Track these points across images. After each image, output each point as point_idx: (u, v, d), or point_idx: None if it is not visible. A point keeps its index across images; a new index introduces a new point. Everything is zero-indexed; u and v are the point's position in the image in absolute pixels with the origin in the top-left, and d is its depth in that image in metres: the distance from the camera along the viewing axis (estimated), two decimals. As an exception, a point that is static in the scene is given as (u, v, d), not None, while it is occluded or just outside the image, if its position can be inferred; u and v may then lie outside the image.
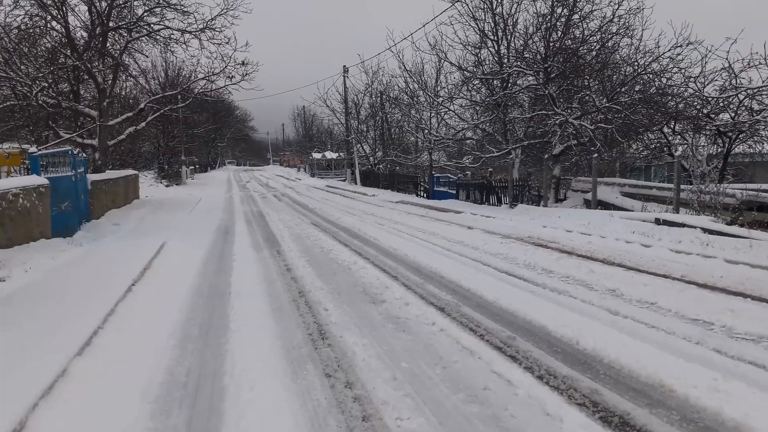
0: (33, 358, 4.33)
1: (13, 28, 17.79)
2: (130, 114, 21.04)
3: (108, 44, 19.42)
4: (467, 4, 19.61)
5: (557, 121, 17.22)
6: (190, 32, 19.69)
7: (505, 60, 19.60)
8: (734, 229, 9.49)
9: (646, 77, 17.16)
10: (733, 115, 16.10)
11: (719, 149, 16.71)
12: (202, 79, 22.30)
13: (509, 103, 20.45)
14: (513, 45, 19.81)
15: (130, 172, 21.26)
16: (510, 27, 19.44)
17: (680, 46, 15.75)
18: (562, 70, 18.14)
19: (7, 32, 17.21)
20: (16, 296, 6.33)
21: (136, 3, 19.56)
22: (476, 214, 15.17)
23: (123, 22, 19.41)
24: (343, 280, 7.52)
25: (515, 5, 19.06)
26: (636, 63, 17.19)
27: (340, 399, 3.79)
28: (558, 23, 18.43)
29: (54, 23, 18.00)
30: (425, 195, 25.47)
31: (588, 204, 15.92)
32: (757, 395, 3.64)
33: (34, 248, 8.95)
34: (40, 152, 11.91)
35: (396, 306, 6.12)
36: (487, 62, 20.79)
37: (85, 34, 19.54)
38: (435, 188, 24.44)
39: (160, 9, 19.51)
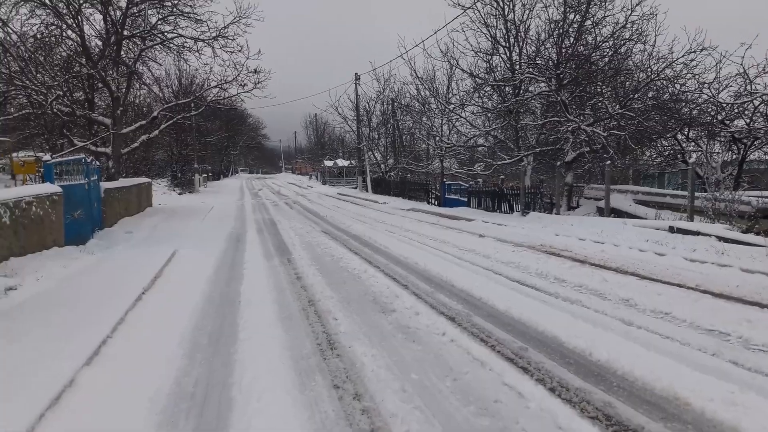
0: (41, 367, 4.33)
1: (29, 37, 18.04)
2: (143, 122, 21.17)
3: (122, 53, 19.61)
4: (479, 11, 19.58)
5: (570, 128, 17.12)
6: (203, 40, 19.83)
7: (517, 66, 19.53)
8: (750, 238, 9.35)
9: (659, 83, 17.02)
10: (748, 121, 15.93)
11: (734, 156, 16.52)
12: (215, 87, 22.42)
13: (521, 110, 20.35)
14: (525, 51, 19.73)
15: (143, 180, 21.39)
16: (522, 33, 19.36)
17: (694, 51, 15.61)
18: (575, 77, 18.03)
19: (23, 41, 17.44)
20: (27, 305, 6.35)
21: (150, 12, 19.81)
22: (488, 221, 15.09)
23: (137, 31, 19.60)
24: (353, 288, 7.48)
25: (527, 12, 18.99)
26: (649, 69, 17.05)
27: (348, 411, 3.74)
28: (570, 29, 18.34)
29: (69, 32, 18.23)
30: (436, 203, 25.40)
31: (601, 212, 15.79)
32: (775, 409, 3.56)
33: (47, 256, 9.01)
34: (53, 160, 12.01)
35: (406, 315, 6.07)
36: (499, 69, 20.73)
37: (99, 43, 19.75)
38: (446, 196, 24.37)
39: (173, 17, 19.70)
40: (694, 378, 4.07)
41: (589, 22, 18.11)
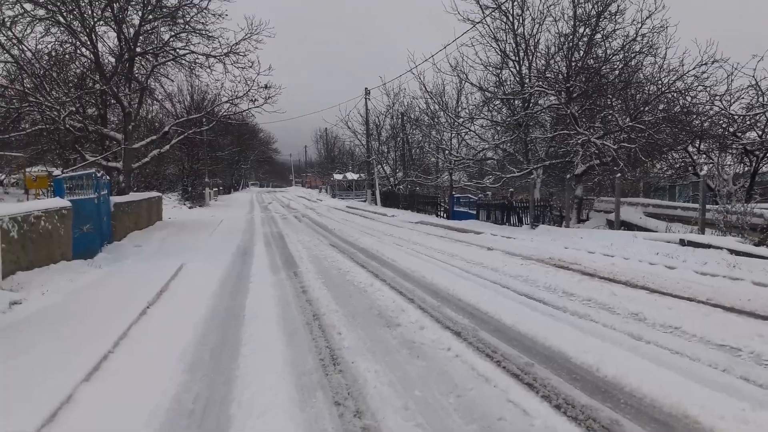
0: (39, 383, 4.30)
1: (43, 54, 18.29)
2: (155, 137, 21.36)
3: (135, 69, 19.83)
4: (489, 26, 19.68)
5: (579, 141, 17.04)
6: (214, 56, 20.02)
7: (527, 80, 19.54)
8: (763, 251, 9.20)
9: (670, 96, 16.92)
10: (760, 133, 15.76)
11: (746, 168, 16.34)
12: (226, 102, 22.61)
13: (530, 123, 20.32)
14: (534, 65, 19.76)
15: (153, 194, 21.51)
16: (531, 47, 19.40)
17: (705, 64, 15.52)
18: (585, 90, 17.99)
19: (38, 59, 17.68)
20: (31, 319, 6.35)
21: (162, 29, 20.06)
22: (496, 234, 14.99)
23: (150, 48, 19.83)
24: (358, 302, 7.42)
25: (537, 26, 19.06)
26: (660, 81, 16.96)
27: (348, 429, 3.67)
28: (580, 43, 18.34)
29: (83, 49, 18.47)
30: (445, 215, 25.32)
31: (611, 224, 15.65)
32: (787, 429, 3.45)
33: (55, 270, 9.04)
34: (63, 175, 12.11)
35: (411, 330, 6.00)
36: (509, 82, 20.78)
37: (112, 60, 19.98)
38: (455, 209, 24.29)
39: (185, 34, 19.95)
40: (704, 395, 3.97)
41: (599, 36, 18.13)
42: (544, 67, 19.54)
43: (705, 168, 17.12)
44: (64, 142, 20.96)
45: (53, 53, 18.73)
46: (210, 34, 19.66)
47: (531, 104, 19.69)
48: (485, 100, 21.50)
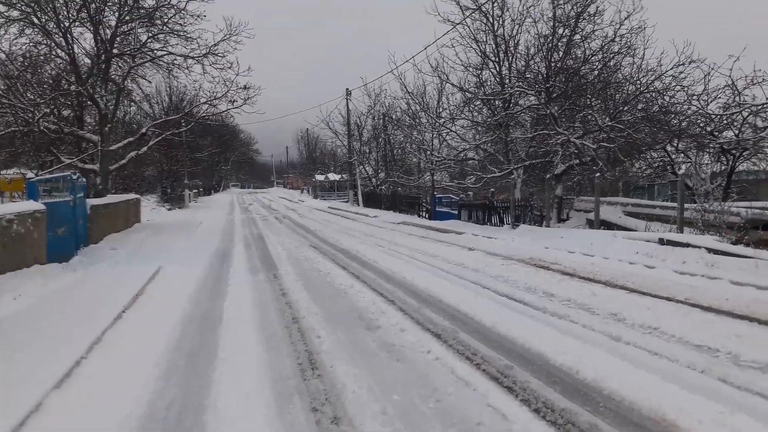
0: (7, 391, 4.17)
1: (17, 55, 17.95)
2: (132, 138, 21.08)
3: (111, 70, 19.54)
4: (469, 27, 19.67)
5: (559, 141, 17.11)
6: (192, 58, 19.82)
7: (507, 81, 19.58)
8: (740, 249, 9.28)
9: (648, 95, 17.06)
10: (736, 132, 15.95)
11: (723, 167, 16.53)
12: (204, 103, 22.40)
13: (511, 123, 20.37)
14: (514, 66, 19.81)
15: (131, 196, 21.21)
16: (511, 48, 19.44)
17: (683, 64, 15.68)
18: (564, 90, 18.07)
19: (11, 60, 17.34)
20: (2, 324, 6.18)
21: (140, 30, 19.79)
22: (478, 234, 14.99)
23: (127, 49, 19.56)
24: (338, 305, 7.34)
25: (517, 27, 19.09)
26: (638, 81, 17.10)
27: (325, 436, 3.61)
28: (559, 43, 18.42)
29: (59, 50, 18.15)
30: (427, 216, 25.32)
31: (591, 224, 15.73)
32: (765, 431, 3.45)
33: (27, 274, 8.83)
34: (37, 178, 11.87)
35: (391, 332, 5.94)
36: (489, 83, 20.78)
37: (88, 61, 19.68)
38: (437, 209, 24.30)
39: (163, 35, 19.71)
40: (683, 397, 3.96)
41: (578, 37, 18.23)
42: (524, 68, 19.60)
43: (683, 167, 17.30)
44: (39, 144, 20.59)
45: (27, 54, 18.39)
46: (188, 35, 19.47)
47: (511, 105, 19.73)
48: (466, 101, 21.50)
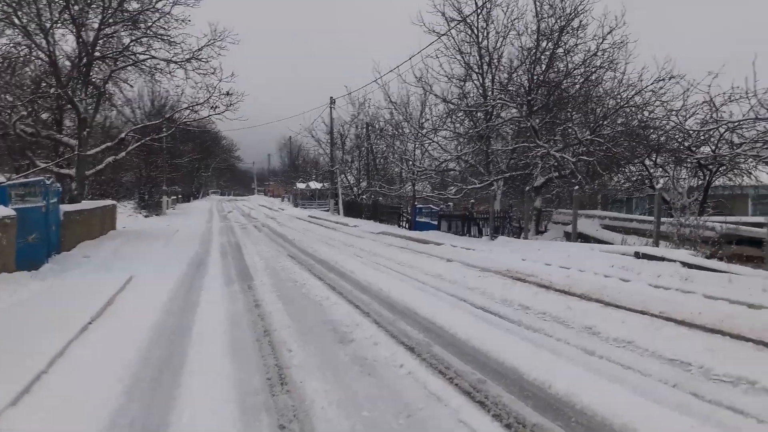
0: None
1: (-4, 58, 17.62)
2: (110, 143, 20.76)
3: (92, 73, 19.26)
4: (453, 38, 19.77)
5: (539, 153, 17.21)
6: (175, 62, 19.60)
7: (490, 93, 19.68)
8: (714, 263, 9.36)
9: (628, 110, 17.25)
10: (713, 148, 16.16)
11: (700, 182, 16.74)
12: (186, 108, 22.17)
13: (492, 135, 20.46)
14: (497, 78, 19.94)
15: (107, 202, 20.88)
16: (495, 60, 19.57)
17: (663, 79, 15.89)
18: (546, 103, 18.20)
19: (-12, 61, 17.03)
20: (-37, 336, 5.98)
21: (123, 33, 19.54)
22: (456, 246, 14.98)
23: (109, 52, 19.30)
24: (312, 317, 7.24)
25: (501, 39, 19.23)
26: (619, 96, 17.28)
27: (290, 454, 3.51)
28: (542, 57, 18.56)
29: (39, 52, 17.84)
30: (407, 226, 25.28)
31: (568, 236, 15.82)
32: (734, 448, 3.44)
33: (-6, 283, 8.60)
34: (8, 183, 11.61)
35: (364, 346, 5.86)
36: (472, 94, 20.86)
37: (68, 63, 19.39)
38: (417, 219, 24.27)
39: (147, 39, 19.47)
40: (655, 412, 3.95)
41: (561, 50, 18.37)
42: (506, 80, 19.72)
43: (661, 181, 17.48)
44: (13, 147, 20.20)
45: (7, 55, 18.06)
46: (172, 40, 19.23)
47: (493, 116, 19.82)
48: (449, 112, 21.55)
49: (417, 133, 24.42)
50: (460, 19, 19.19)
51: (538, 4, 17.93)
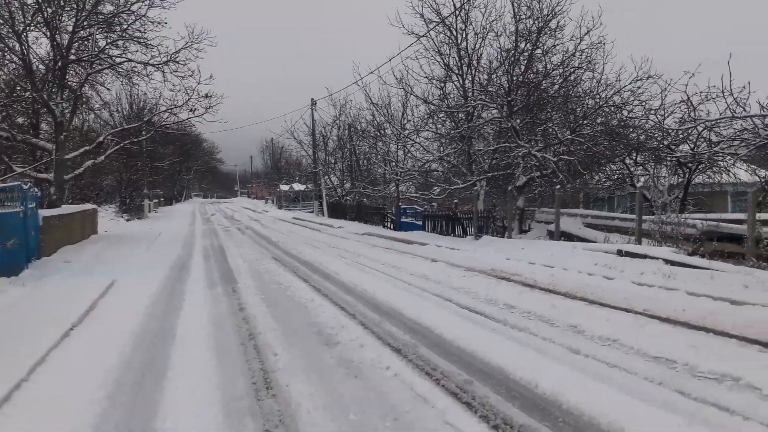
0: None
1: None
2: (89, 147, 20.47)
3: (68, 76, 18.99)
4: (433, 40, 19.75)
5: (521, 153, 17.28)
6: (153, 65, 19.42)
7: (470, 93, 19.71)
8: (696, 260, 9.46)
9: (607, 109, 17.39)
10: (692, 146, 16.36)
11: (680, 179, 16.94)
12: (165, 111, 21.95)
13: (474, 136, 20.51)
14: (477, 79, 19.97)
15: (87, 206, 20.59)
16: (474, 62, 19.59)
17: (641, 79, 16.05)
18: (526, 103, 18.30)
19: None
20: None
21: (98, 36, 19.29)
22: (441, 246, 14.98)
23: (85, 55, 19.05)
24: (297, 319, 7.19)
25: (480, 40, 19.25)
26: (598, 96, 17.43)
27: (277, 459, 3.47)
28: (521, 58, 18.63)
29: (12, 56, 17.55)
30: (392, 227, 25.28)
31: (551, 235, 15.89)
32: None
33: (-29, 290, 8.43)
34: (-16, 188, 11.39)
35: (350, 348, 5.82)
36: (452, 95, 20.88)
37: (42, 67, 19.10)
38: (402, 220, 24.29)
39: (123, 42, 19.26)
40: (641, 410, 3.96)
41: (539, 51, 18.46)
42: (486, 81, 19.76)
43: (641, 179, 17.66)
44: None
45: (-22, 59, 17.77)
46: (149, 42, 19.06)
47: (474, 117, 19.85)
48: (430, 113, 21.59)
49: (399, 134, 24.43)
50: (438, 20, 19.19)
51: (515, 5, 18.01)
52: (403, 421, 4.00)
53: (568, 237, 15.14)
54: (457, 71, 19.86)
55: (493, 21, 18.78)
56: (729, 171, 17.24)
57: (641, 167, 18.31)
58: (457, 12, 18.86)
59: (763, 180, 16.84)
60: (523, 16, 18.05)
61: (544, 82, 18.44)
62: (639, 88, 16.33)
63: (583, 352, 5.43)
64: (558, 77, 18.40)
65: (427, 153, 22.70)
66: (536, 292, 8.35)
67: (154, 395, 4.57)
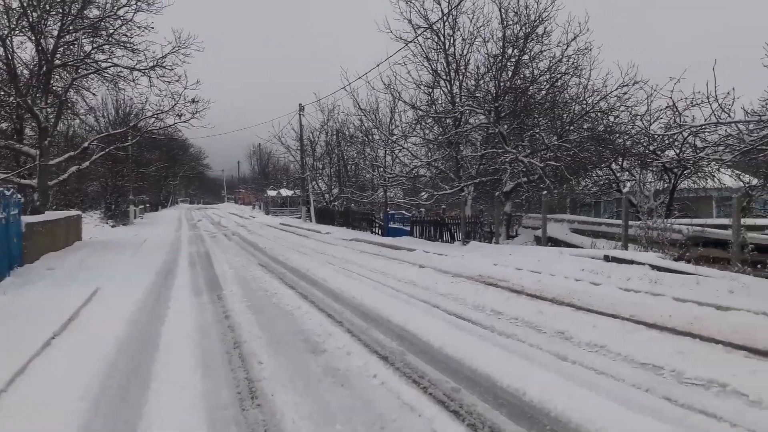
0: None
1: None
2: (73, 153, 20.29)
3: (53, 81, 18.82)
4: (421, 45, 19.78)
5: (508, 159, 17.34)
6: (139, 70, 19.30)
7: (458, 99, 19.76)
8: (681, 266, 9.50)
9: (594, 115, 17.51)
10: (678, 151, 16.46)
11: (666, 185, 17.04)
12: (151, 117, 21.80)
13: (461, 142, 20.55)
14: (465, 85, 20.00)
15: (72, 212, 20.38)
16: (462, 67, 19.63)
17: (627, 85, 16.22)
18: (513, 109, 18.37)
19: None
20: None
21: (84, 40, 19.14)
22: (429, 251, 14.98)
23: (70, 60, 18.88)
24: (283, 327, 7.12)
25: (467, 46, 19.31)
26: (584, 101, 17.56)
27: (261, 471, 3.41)
28: (508, 63, 18.72)
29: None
30: (380, 232, 25.24)
31: (538, 241, 15.93)
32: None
33: (-49, 298, 8.28)
34: (-35, 194, 11.23)
35: (337, 356, 5.77)
36: (440, 101, 20.92)
37: (27, 72, 18.91)
38: (390, 225, 24.26)
39: (109, 47, 19.14)
40: (628, 418, 3.94)
41: (526, 57, 18.57)
42: (474, 87, 19.81)
43: (628, 185, 17.77)
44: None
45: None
46: (135, 47, 18.96)
47: (462, 123, 19.90)
48: (418, 119, 21.61)
49: (387, 140, 24.43)
50: (426, 26, 19.22)
51: (503, 11, 18.10)
52: (390, 429, 3.96)
53: (555, 242, 15.18)
54: (444, 77, 19.90)
55: (480, 27, 18.86)
56: (714, 176, 17.37)
57: (627, 173, 18.41)
58: (445, 18, 18.91)
59: (747, 185, 17.02)
60: (511, 22, 18.15)
61: (531, 87, 18.55)
62: (625, 93, 16.52)
63: (570, 359, 5.42)
64: (545, 83, 18.54)
65: (415, 158, 22.73)
66: (523, 298, 8.36)
67: (138, 405, 4.49)
